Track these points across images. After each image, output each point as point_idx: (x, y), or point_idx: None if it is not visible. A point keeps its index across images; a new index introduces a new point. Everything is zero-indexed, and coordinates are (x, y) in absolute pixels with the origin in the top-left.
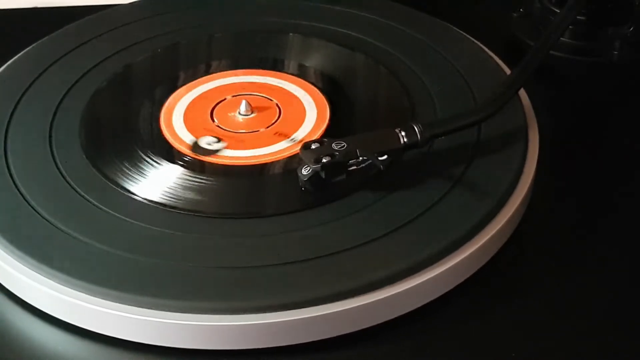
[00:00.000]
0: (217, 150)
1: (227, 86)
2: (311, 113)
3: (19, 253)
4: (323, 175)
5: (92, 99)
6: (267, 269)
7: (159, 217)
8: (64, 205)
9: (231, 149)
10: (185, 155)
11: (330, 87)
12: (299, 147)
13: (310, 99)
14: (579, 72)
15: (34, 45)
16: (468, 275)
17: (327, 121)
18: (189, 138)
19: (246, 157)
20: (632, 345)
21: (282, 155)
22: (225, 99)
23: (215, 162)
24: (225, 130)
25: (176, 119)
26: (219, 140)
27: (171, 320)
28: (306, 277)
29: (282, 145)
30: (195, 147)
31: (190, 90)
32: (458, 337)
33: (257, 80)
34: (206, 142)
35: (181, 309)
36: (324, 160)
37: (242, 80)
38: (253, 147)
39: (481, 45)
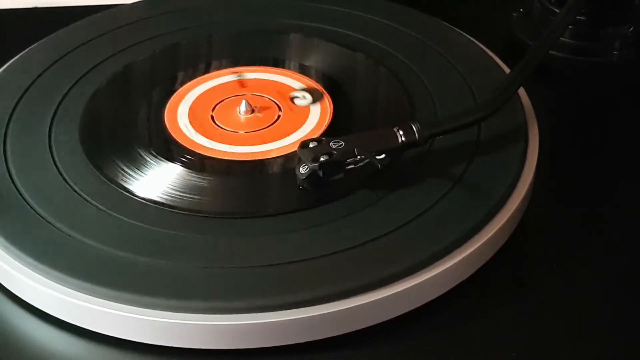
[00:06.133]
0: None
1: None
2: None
3: (18, 253)
4: (321, 174)
5: (92, 99)
6: (267, 269)
7: (159, 217)
8: (64, 205)
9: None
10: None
11: (330, 87)
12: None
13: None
14: (579, 72)
15: (34, 45)
16: (468, 275)
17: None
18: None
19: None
20: (633, 345)
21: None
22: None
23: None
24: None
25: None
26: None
27: (171, 320)
28: (306, 277)
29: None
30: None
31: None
32: (458, 337)
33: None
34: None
35: (181, 309)
36: (321, 159)
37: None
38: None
39: (481, 45)
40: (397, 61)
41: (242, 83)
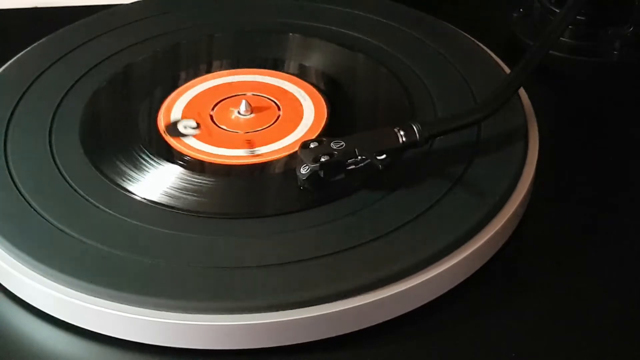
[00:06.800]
0: (185, 135)
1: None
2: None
3: (19, 253)
4: (322, 174)
5: (92, 99)
6: (266, 269)
7: (159, 217)
8: (64, 205)
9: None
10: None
11: (330, 87)
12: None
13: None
14: (579, 72)
15: (34, 45)
16: (468, 275)
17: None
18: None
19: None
20: (632, 346)
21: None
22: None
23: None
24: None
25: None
26: (198, 126)
27: (171, 320)
28: (306, 277)
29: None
30: (171, 127)
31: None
32: (458, 337)
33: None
34: (184, 125)
35: (181, 309)
36: (322, 160)
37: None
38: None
39: (481, 45)
40: (397, 61)
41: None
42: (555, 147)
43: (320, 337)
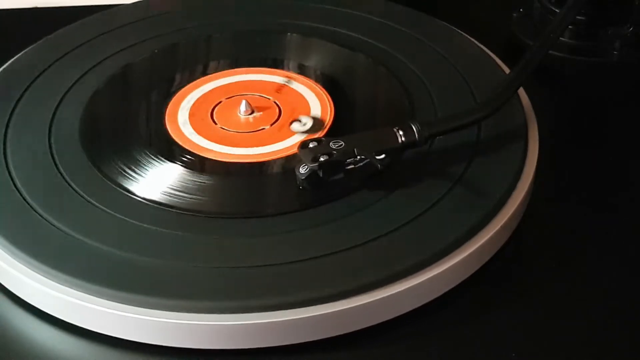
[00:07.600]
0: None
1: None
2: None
3: (18, 253)
4: (321, 174)
5: (92, 99)
6: (267, 269)
7: (159, 217)
8: (64, 205)
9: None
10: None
11: (330, 87)
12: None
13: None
14: (579, 72)
15: (34, 45)
16: (468, 275)
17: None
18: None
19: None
20: (632, 346)
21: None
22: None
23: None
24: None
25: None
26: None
27: (171, 320)
28: (306, 277)
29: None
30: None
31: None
32: (457, 337)
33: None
34: (301, 125)
35: (181, 309)
36: (321, 159)
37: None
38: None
39: (481, 45)
40: (397, 61)
41: (280, 89)
42: (555, 147)
43: (320, 337)
